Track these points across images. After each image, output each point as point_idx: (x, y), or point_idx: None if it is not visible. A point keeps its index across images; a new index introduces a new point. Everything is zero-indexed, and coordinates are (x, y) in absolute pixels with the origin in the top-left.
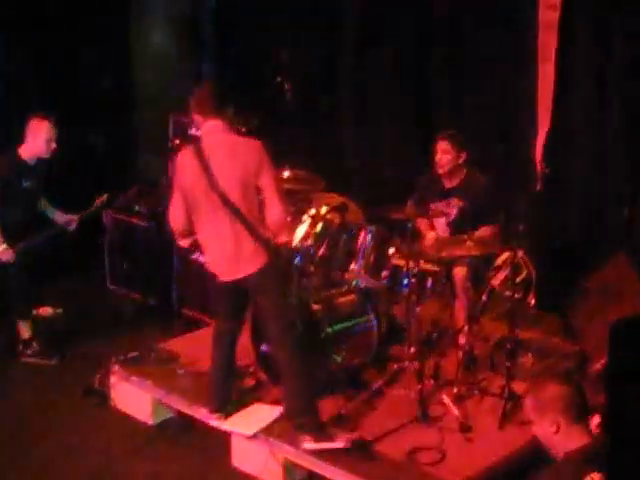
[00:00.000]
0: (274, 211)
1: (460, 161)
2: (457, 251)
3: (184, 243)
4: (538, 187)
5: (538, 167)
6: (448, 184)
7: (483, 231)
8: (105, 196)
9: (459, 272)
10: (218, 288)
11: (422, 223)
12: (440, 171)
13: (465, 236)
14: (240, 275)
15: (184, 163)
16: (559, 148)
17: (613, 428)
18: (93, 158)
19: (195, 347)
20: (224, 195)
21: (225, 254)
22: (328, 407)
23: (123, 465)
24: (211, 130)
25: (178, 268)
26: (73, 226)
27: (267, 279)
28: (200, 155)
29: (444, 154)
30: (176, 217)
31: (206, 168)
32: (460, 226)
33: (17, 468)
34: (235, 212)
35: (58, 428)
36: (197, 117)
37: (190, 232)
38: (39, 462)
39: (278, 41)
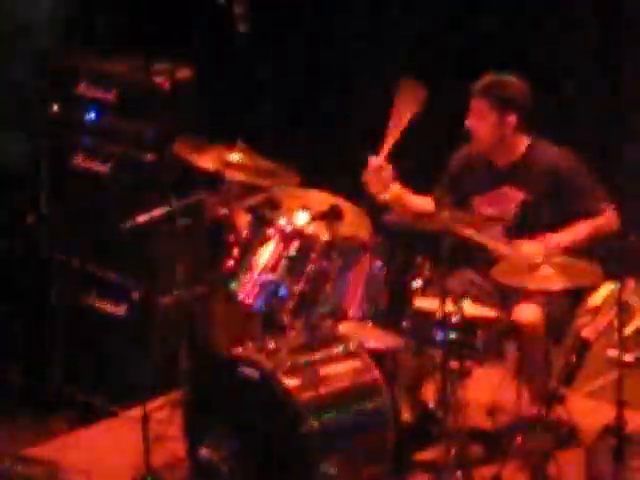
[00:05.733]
0: None
1: (508, 128)
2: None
3: None
4: None
5: None
6: (498, 164)
7: (586, 226)
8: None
9: (529, 314)
10: None
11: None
12: (477, 144)
13: (538, 257)
14: None
15: None
16: None
17: None
18: None
19: (91, 453)
20: None
21: None
22: None
23: None
24: None
25: (61, 320)
26: None
27: None
28: None
29: (479, 120)
30: None
31: None
32: (523, 235)
33: None
34: None
35: None
36: None
37: None
38: None
39: None
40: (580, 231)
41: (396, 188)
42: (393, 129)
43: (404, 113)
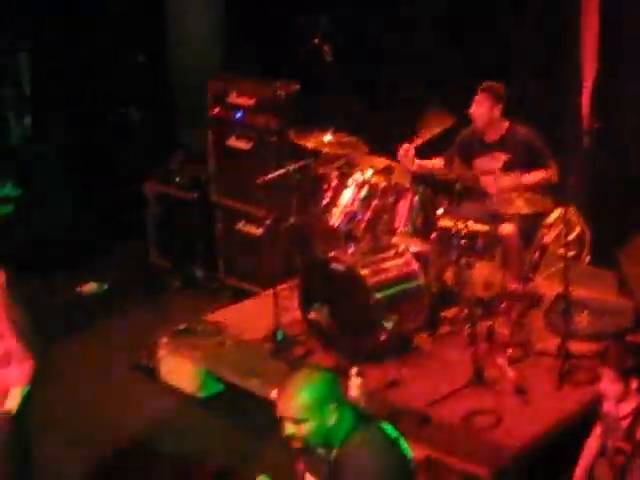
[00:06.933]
0: None
1: (496, 114)
2: (506, 210)
3: None
4: (586, 143)
5: (585, 122)
6: (489, 138)
7: (534, 175)
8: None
9: (508, 229)
10: None
11: (487, 181)
12: (476, 125)
13: (514, 194)
14: None
15: None
16: (607, 100)
17: None
18: (131, 134)
19: (242, 318)
20: None
21: None
22: (380, 374)
23: (170, 441)
24: None
25: (222, 238)
26: None
27: None
28: None
29: (478, 107)
30: None
31: None
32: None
33: (60, 439)
34: None
35: (104, 402)
36: None
37: None
38: (85, 437)
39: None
40: (534, 176)
41: (417, 161)
42: (423, 134)
43: (432, 129)
